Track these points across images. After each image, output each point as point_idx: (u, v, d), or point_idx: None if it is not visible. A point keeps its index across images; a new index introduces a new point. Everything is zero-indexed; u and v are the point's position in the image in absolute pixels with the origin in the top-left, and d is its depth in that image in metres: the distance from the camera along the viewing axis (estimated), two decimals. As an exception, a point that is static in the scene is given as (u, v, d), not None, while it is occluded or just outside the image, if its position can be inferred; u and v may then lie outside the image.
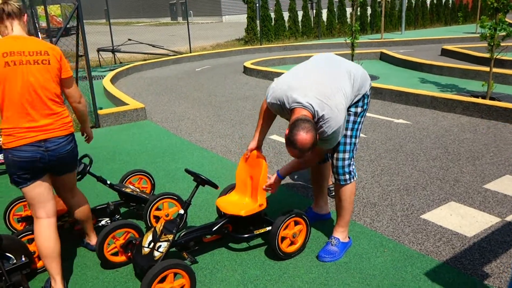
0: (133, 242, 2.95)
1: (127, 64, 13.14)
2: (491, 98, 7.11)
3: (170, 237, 2.78)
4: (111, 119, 6.93)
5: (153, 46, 14.99)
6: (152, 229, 2.91)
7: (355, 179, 3.01)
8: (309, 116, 2.59)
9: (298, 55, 13.58)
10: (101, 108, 7.26)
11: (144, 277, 2.47)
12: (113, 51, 14.40)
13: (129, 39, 15.30)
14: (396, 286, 2.72)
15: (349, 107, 2.89)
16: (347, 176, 2.96)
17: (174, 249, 2.99)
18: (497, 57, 7.17)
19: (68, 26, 8.22)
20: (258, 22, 18.28)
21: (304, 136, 2.48)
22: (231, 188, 3.47)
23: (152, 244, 2.78)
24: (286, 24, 19.37)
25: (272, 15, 18.78)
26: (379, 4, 21.98)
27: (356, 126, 2.95)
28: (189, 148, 5.57)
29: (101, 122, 6.86)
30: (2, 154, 4.29)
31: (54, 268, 2.65)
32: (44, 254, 2.64)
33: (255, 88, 9.47)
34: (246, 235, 3.09)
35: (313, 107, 2.60)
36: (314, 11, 20.43)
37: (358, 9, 19.77)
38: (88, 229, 3.20)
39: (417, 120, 6.36)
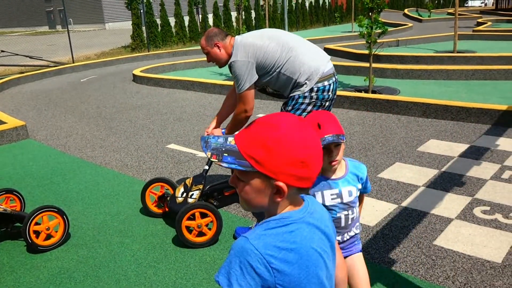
0: (166, 196, 3.65)
1: (2, 78, 12.01)
2: (373, 92, 7.59)
3: (201, 186, 3.42)
4: (-13, 141, 6.24)
5: (31, 57, 13.92)
6: (182, 183, 3.52)
7: None
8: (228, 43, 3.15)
9: (188, 60, 13.43)
10: (-27, 130, 6.51)
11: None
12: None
13: (2, 51, 14.03)
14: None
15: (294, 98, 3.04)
16: None
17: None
18: (375, 53, 7.67)
19: None
20: (144, 28, 17.81)
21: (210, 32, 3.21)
22: None
23: (185, 194, 3.40)
24: (173, 30, 19.11)
25: (158, 21, 18.41)
26: (262, 8, 22.60)
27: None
28: (81, 166, 5.19)
29: (-25, 146, 6.16)
30: None
31: None
32: None
33: (147, 96, 9.16)
34: None
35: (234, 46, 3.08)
36: (200, 16, 20.41)
37: (243, 12, 20.12)
38: None
39: (310, 118, 6.56)
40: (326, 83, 2.96)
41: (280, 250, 1.08)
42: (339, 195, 1.94)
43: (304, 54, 2.99)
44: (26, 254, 3.31)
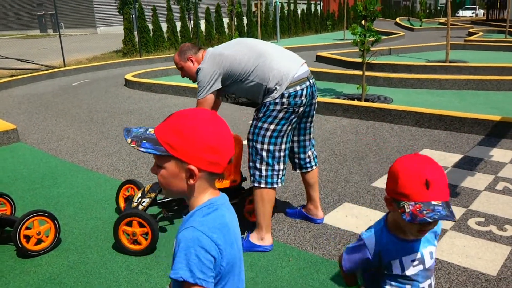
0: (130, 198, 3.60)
1: (-9, 82, 11.89)
2: (366, 100, 7.61)
3: (153, 194, 3.42)
4: (-24, 144, 6.15)
5: (22, 61, 13.81)
6: (143, 188, 3.52)
7: (267, 186, 3.09)
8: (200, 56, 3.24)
9: (180, 65, 13.38)
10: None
11: None
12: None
13: (-8, 54, 13.91)
14: (305, 294, 2.71)
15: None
16: (251, 178, 3.14)
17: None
18: (368, 61, 7.70)
19: None
20: (136, 33, 17.75)
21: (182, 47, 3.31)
22: None
23: (140, 199, 3.42)
24: (165, 35, 19.08)
25: (150, 26, 18.37)
26: (254, 14, 22.66)
27: (258, 131, 3.05)
28: (72, 171, 5.13)
29: (-36, 149, 6.06)
30: None
31: None
32: None
33: (139, 101, 9.10)
34: None
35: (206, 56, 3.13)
36: (192, 21, 20.40)
37: (235, 19, 20.15)
38: None
39: (303, 125, 6.56)
40: (298, 87, 2.93)
41: (220, 232, 1.20)
42: (421, 260, 1.54)
43: (274, 59, 2.97)
44: (16, 258, 3.25)
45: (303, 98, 2.97)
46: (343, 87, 9.21)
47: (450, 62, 10.90)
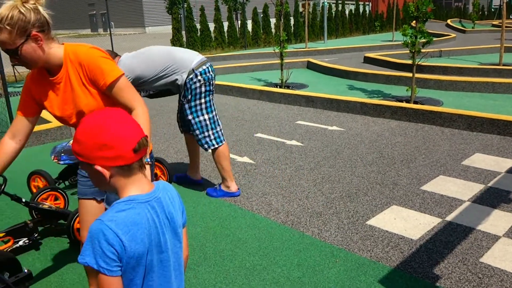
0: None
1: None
2: (415, 102, 7.43)
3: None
4: (32, 138, 6.42)
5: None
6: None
7: (219, 144, 3.99)
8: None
9: (226, 65, 13.52)
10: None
11: None
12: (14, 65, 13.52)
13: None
14: (352, 296, 2.69)
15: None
16: (205, 146, 3.98)
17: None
18: (418, 63, 7.52)
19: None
20: (183, 33, 18.06)
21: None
22: None
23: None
24: (212, 35, 19.31)
25: (198, 26, 18.64)
26: (301, 15, 22.56)
27: (194, 108, 3.90)
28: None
29: (22, 142, 6.35)
30: None
31: None
32: None
33: (186, 99, 9.25)
34: None
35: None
36: (239, 21, 20.54)
37: (283, 19, 20.17)
38: None
39: (350, 126, 6.49)
40: (204, 67, 3.84)
41: (127, 229, 1.28)
42: None
43: (179, 53, 3.86)
44: (69, 250, 3.38)
45: (211, 73, 3.90)
46: (392, 89, 9.04)
47: (504, 65, 10.49)
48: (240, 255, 3.20)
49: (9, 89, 9.42)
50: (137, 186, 1.37)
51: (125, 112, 1.40)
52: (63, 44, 2.12)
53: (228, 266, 3.07)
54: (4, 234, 3.30)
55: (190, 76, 3.81)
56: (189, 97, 3.87)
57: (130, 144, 1.32)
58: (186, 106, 3.90)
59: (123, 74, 2.12)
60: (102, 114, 1.35)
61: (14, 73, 13.20)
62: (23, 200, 3.37)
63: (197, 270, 3.04)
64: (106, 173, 1.33)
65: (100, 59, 2.07)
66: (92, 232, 1.27)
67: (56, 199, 3.89)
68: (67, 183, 4.35)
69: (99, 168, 1.32)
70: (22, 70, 14.03)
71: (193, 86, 3.83)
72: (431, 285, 2.77)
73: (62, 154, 3.89)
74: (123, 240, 1.27)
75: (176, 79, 3.84)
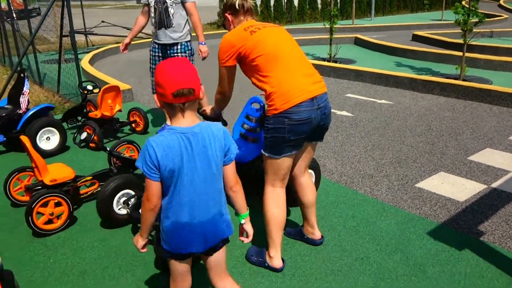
0: None
1: (102, 47, 12.98)
2: (464, 81, 7.50)
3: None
4: (98, 100, 6.93)
5: (128, 29, 14.82)
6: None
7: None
8: None
9: (274, 39, 13.71)
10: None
11: None
12: (86, 33, 14.18)
13: (103, 21, 15.08)
14: (402, 244, 3.01)
15: None
16: None
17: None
18: (469, 42, 7.56)
19: (29, 8, 8.11)
20: (231, 6, 18.25)
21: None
22: None
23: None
24: (259, 9, 19.46)
25: None
26: (349, -9, 22.33)
27: None
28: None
29: (89, 103, 6.86)
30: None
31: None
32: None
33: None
34: None
35: None
36: (286, -4, 20.57)
37: (329, -5, 20.08)
38: None
39: (399, 101, 6.68)
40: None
41: (162, 148, 1.77)
42: None
43: None
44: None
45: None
46: (441, 67, 9.08)
47: (559, 46, 10.28)
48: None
49: (66, 56, 9.99)
50: (178, 121, 1.82)
51: (190, 65, 1.81)
52: None
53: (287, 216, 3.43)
54: (91, 177, 3.76)
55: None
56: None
57: (171, 89, 1.74)
58: None
59: None
60: (170, 61, 1.82)
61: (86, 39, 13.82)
62: (107, 149, 3.83)
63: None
64: (158, 103, 1.84)
65: None
66: (144, 147, 1.81)
67: (131, 151, 4.33)
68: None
69: (155, 97, 1.93)
70: (78, 39, 14.67)
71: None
72: (475, 239, 3.05)
73: None
74: (158, 156, 1.76)
75: None
